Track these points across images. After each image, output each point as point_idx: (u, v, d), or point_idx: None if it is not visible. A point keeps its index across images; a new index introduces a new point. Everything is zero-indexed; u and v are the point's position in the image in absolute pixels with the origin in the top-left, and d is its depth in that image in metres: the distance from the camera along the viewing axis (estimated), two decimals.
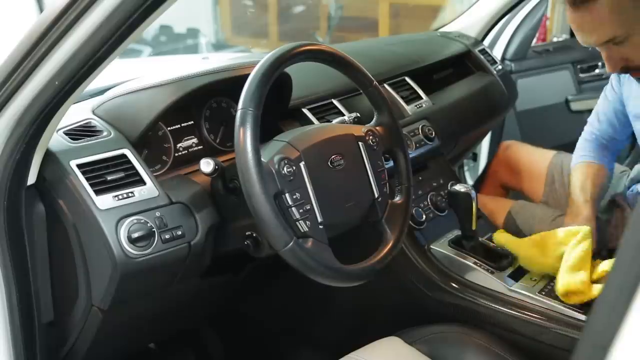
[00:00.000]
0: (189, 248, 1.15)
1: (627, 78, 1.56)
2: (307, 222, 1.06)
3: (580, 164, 1.71)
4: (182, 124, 1.35)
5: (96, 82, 1.00)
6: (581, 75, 2.81)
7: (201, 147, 1.37)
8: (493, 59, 2.32)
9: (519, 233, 1.71)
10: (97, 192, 1.08)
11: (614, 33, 1.23)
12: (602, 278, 1.31)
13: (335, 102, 1.58)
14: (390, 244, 1.19)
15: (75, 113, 1.21)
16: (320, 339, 1.72)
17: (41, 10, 1.80)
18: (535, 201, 1.92)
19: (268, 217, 0.99)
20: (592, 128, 1.74)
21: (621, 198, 1.65)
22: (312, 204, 1.08)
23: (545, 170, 1.92)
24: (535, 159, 1.97)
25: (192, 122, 1.37)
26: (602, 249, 1.55)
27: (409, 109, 1.74)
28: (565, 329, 1.28)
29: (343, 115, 1.52)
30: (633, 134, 1.62)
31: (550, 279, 1.40)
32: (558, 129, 2.75)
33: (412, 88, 1.83)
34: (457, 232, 1.53)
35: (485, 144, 2.65)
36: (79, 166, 1.09)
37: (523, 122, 2.69)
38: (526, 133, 2.65)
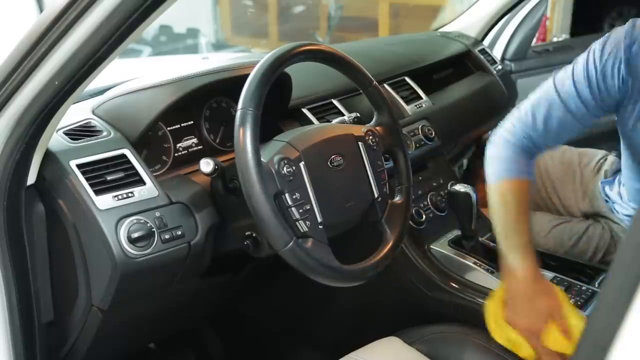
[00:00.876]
0: (189, 248, 1.15)
1: None
2: (307, 222, 1.06)
3: (512, 181, 1.25)
4: (182, 124, 1.35)
5: (96, 82, 1.00)
6: None
7: (201, 147, 1.37)
8: (493, 59, 2.32)
9: None
10: (97, 192, 1.08)
11: None
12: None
13: (335, 102, 1.58)
14: (390, 244, 1.19)
15: (75, 113, 1.21)
16: (320, 339, 1.72)
17: (41, 10, 1.80)
18: None
19: (268, 217, 0.99)
20: (528, 129, 1.25)
21: (606, 210, 1.57)
22: (311, 204, 1.08)
23: None
24: None
25: (192, 122, 1.37)
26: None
27: (409, 109, 1.74)
28: None
29: (343, 115, 1.52)
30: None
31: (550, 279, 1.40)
32: None
33: (412, 88, 1.83)
34: (457, 232, 1.53)
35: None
36: (79, 166, 1.09)
37: None
38: None
